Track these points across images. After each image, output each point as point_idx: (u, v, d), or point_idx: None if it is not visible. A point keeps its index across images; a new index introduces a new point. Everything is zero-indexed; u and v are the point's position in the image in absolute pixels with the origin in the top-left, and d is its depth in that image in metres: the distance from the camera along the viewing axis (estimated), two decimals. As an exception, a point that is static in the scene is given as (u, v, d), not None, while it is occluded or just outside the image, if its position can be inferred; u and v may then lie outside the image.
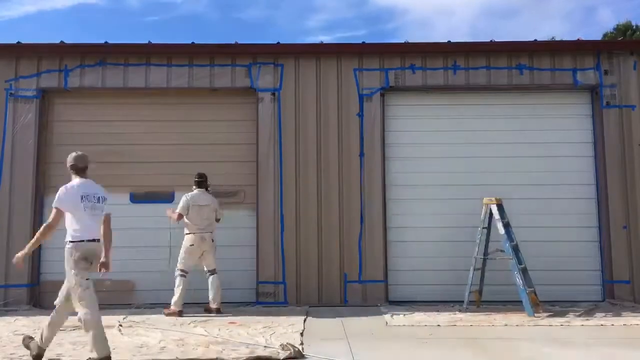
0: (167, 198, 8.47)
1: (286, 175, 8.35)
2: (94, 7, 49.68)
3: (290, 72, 8.55)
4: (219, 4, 57.15)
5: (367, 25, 52.94)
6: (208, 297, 7.50)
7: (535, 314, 7.04)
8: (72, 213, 4.84)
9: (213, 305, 7.45)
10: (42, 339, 4.89)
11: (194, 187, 7.73)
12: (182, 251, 7.53)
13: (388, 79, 8.55)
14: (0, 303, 7.92)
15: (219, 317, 7.13)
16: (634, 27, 25.15)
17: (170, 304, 7.35)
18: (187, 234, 7.57)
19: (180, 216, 7.53)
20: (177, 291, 7.34)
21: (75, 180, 4.99)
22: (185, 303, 7.42)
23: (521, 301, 7.19)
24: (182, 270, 7.43)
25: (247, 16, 54.73)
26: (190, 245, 7.48)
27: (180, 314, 7.23)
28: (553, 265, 8.22)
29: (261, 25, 52.34)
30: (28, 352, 4.95)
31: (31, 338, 5.04)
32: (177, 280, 7.40)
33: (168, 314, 7.23)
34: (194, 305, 7.90)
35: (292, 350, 5.04)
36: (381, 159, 8.43)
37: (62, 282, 8.05)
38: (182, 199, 7.59)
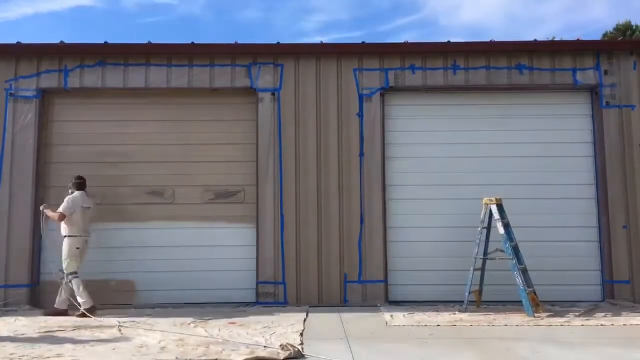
0: (168, 198, 8.50)
1: (286, 175, 8.35)
2: (90, 8, 49.68)
3: (290, 72, 8.55)
4: (214, 6, 57.01)
5: (372, 23, 52.29)
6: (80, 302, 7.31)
7: (535, 314, 7.04)
8: None
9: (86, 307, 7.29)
10: None
11: (72, 189, 7.65)
12: (68, 255, 7.38)
13: (388, 79, 8.55)
14: (0, 303, 7.91)
15: (219, 318, 7.13)
16: (634, 27, 25.13)
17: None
18: (71, 236, 7.44)
19: (62, 216, 7.41)
20: (81, 293, 7.26)
21: None
22: (179, 303, 7.46)
23: (521, 301, 7.19)
24: (74, 273, 7.38)
25: (243, 18, 54.50)
26: (77, 249, 7.43)
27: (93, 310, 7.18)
28: (553, 265, 8.23)
29: (257, 27, 52.10)
30: (28, 352, 4.95)
31: None
32: (75, 283, 7.29)
33: (78, 316, 7.13)
34: (186, 306, 7.92)
35: (292, 351, 5.04)
36: (381, 159, 8.43)
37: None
38: (67, 200, 7.51)
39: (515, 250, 7.39)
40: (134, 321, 6.81)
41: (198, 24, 51.05)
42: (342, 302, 8.13)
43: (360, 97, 8.50)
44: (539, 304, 7.24)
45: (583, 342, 5.62)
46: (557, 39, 20.62)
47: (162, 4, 51.10)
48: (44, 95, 8.57)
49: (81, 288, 7.31)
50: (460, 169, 8.56)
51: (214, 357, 4.98)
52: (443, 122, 8.68)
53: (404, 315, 7.15)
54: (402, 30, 52.31)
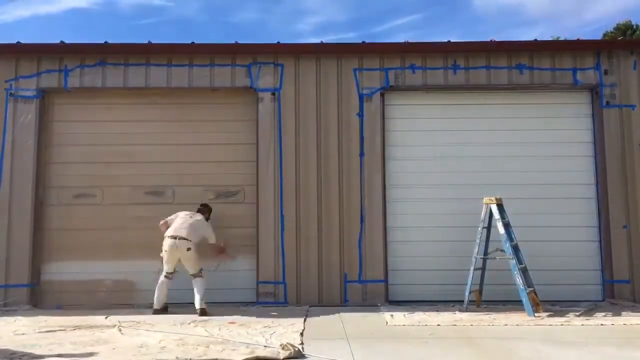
0: (168, 198, 8.49)
1: (286, 175, 8.35)
2: (87, 11, 49.83)
3: (290, 72, 8.55)
4: (209, 8, 57.02)
5: (368, 25, 52.05)
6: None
7: (536, 314, 7.04)
8: None
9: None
10: None
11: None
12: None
13: (388, 78, 8.55)
14: (0, 303, 7.91)
15: (219, 317, 7.13)
16: (634, 26, 25.14)
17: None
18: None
19: (162, 223, 7.82)
20: (156, 291, 7.61)
21: None
22: (179, 303, 7.67)
23: (521, 301, 7.18)
24: (164, 273, 7.69)
25: (238, 20, 54.46)
26: (165, 251, 7.65)
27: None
28: (553, 265, 8.23)
29: (253, 29, 52.08)
30: (29, 352, 4.95)
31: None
32: (159, 280, 7.67)
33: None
34: (187, 305, 7.92)
35: (292, 350, 5.04)
36: (381, 159, 8.42)
37: (62, 282, 8.16)
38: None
39: (516, 249, 7.39)
40: (134, 321, 6.82)
41: (193, 25, 51.09)
42: (343, 302, 8.13)
43: (361, 97, 8.50)
44: (539, 304, 7.24)
45: (583, 341, 5.62)
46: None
47: (157, 5, 51.16)
48: (44, 95, 8.57)
49: (157, 288, 7.57)
50: (460, 168, 8.56)
51: (214, 357, 4.98)
52: (443, 122, 8.68)
53: (404, 315, 7.15)
54: (400, 31, 52.22)
